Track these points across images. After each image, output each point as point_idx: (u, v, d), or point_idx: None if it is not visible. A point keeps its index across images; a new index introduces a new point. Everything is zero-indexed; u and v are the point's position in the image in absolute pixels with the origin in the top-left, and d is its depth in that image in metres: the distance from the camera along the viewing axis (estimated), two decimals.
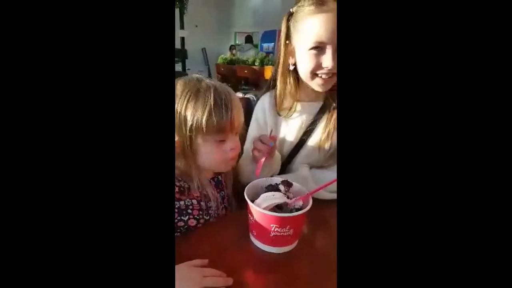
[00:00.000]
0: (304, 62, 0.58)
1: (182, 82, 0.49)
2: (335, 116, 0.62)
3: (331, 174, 0.62)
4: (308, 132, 0.65)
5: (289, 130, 0.66)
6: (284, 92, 0.64)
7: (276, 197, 0.45)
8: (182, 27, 3.44)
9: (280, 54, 0.63)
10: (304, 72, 0.60)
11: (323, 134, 0.63)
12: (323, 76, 0.57)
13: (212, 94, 0.46)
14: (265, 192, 0.47)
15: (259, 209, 0.42)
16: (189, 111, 0.46)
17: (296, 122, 0.65)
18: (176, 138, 0.48)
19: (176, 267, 0.38)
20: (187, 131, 0.46)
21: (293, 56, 0.61)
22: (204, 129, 0.46)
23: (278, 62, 0.64)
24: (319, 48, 0.54)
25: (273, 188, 0.48)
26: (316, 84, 0.60)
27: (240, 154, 0.58)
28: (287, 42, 0.60)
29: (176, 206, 0.50)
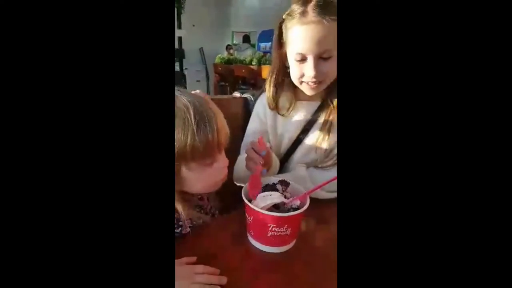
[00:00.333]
0: (291, 69, 0.60)
1: None
2: (332, 115, 0.62)
3: (328, 174, 0.62)
4: (305, 131, 0.65)
5: (287, 128, 0.66)
6: (275, 95, 0.65)
7: (273, 197, 0.44)
8: (179, 27, 3.43)
9: (274, 60, 0.64)
10: (293, 78, 0.61)
11: (321, 134, 0.63)
12: (309, 83, 0.58)
13: (192, 114, 0.39)
14: (263, 191, 0.47)
15: (257, 209, 0.42)
16: None
17: (294, 120, 0.66)
18: None
19: None
20: None
21: (287, 60, 0.62)
22: (189, 156, 0.40)
23: (272, 66, 0.65)
24: (301, 59, 0.56)
25: (271, 187, 0.48)
26: (304, 89, 0.61)
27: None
28: (280, 50, 0.61)
29: None
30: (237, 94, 0.89)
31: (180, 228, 0.48)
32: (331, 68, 0.55)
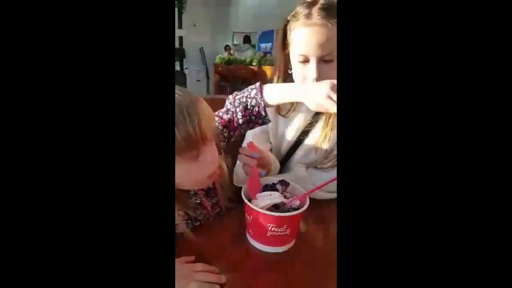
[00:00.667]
0: (294, 71, 0.60)
1: None
2: (333, 117, 0.63)
3: (327, 175, 0.62)
4: (306, 132, 0.65)
5: (288, 129, 0.67)
6: None
7: (273, 197, 0.45)
8: (180, 26, 3.43)
9: (277, 61, 0.64)
10: (295, 80, 0.61)
11: (321, 135, 0.63)
12: None
13: None
14: (262, 191, 0.47)
15: (257, 209, 0.42)
16: None
17: (294, 121, 0.66)
18: None
19: None
20: None
21: (289, 61, 0.62)
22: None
23: (276, 68, 0.65)
24: (304, 61, 0.56)
25: (270, 187, 0.48)
26: None
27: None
28: (284, 51, 0.61)
29: None
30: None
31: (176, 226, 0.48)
32: (333, 71, 0.55)
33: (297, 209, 0.44)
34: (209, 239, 0.47)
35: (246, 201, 0.44)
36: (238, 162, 0.65)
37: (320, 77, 0.55)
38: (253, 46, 4.63)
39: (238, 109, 0.52)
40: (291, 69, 0.62)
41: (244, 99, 0.52)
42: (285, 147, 0.68)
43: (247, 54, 4.13)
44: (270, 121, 0.54)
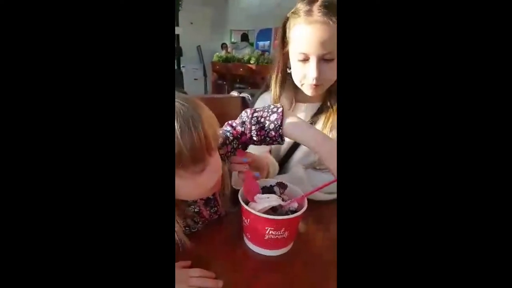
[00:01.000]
0: (294, 70, 0.59)
1: None
2: (332, 117, 0.62)
3: (326, 176, 0.62)
4: None
5: None
6: (280, 95, 0.64)
7: (271, 200, 0.44)
8: (177, 24, 3.40)
9: (276, 59, 0.63)
10: (295, 79, 0.61)
11: None
12: (311, 84, 0.57)
13: (176, 122, 0.35)
14: (260, 194, 0.46)
15: (254, 212, 0.41)
16: None
17: None
18: None
19: None
20: None
21: (288, 60, 0.61)
22: (178, 164, 0.36)
23: (275, 66, 0.64)
24: (304, 59, 0.55)
25: (268, 190, 0.48)
26: (305, 90, 0.60)
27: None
28: (284, 49, 0.60)
29: None
30: (234, 93, 0.88)
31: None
32: (333, 70, 0.55)
33: (295, 211, 0.43)
34: (206, 243, 0.47)
35: (243, 204, 0.43)
36: None
37: (320, 76, 0.55)
38: (251, 44, 4.62)
39: (254, 127, 0.48)
40: (290, 68, 0.61)
41: (262, 119, 0.48)
42: (284, 148, 0.67)
43: (245, 52, 4.11)
44: (284, 143, 0.50)
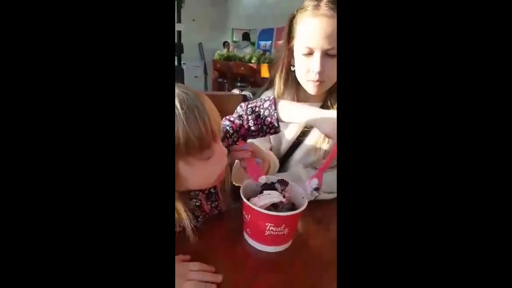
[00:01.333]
0: (298, 66, 0.60)
1: None
2: None
3: (326, 175, 0.62)
4: (305, 132, 0.65)
5: (287, 129, 0.66)
6: (283, 92, 0.64)
7: (272, 196, 0.44)
8: (179, 21, 3.39)
9: (281, 56, 0.63)
10: (298, 75, 0.61)
11: (320, 136, 0.63)
12: (314, 80, 0.58)
13: (179, 107, 0.36)
14: (261, 190, 0.47)
15: (255, 207, 0.41)
16: None
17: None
18: None
19: None
20: None
21: (292, 57, 0.62)
22: (185, 151, 0.37)
23: (278, 64, 0.64)
24: (309, 53, 0.55)
25: (270, 187, 0.48)
26: (308, 87, 0.61)
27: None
28: (289, 44, 0.61)
29: None
30: (236, 91, 0.88)
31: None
32: (335, 67, 0.55)
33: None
34: (206, 238, 0.47)
35: (244, 200, 0.43)
36: (236, 161, 0.65)
37: (323, 71, 0.55)
38: (253, 44, 4.61)
39: (250, 117, 0.51)
40: (293, 65, 0.61)
41: (256, 109, 0.52)
42: (284, 147, 0.68)
43: (246, 51, 4.11)
44: (280, 131, 0.53)
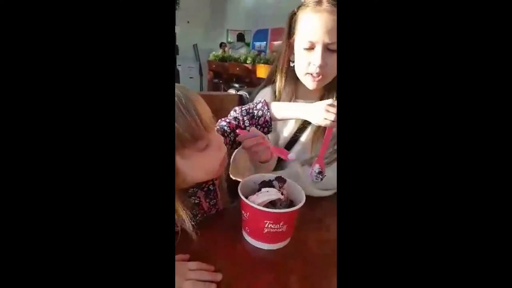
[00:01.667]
0: (298, 60, 0.60)
1: None
2: None
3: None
4: (302, 129, 0.65)
5: (284, 126, 0.66)
6: (284, 86, 0.65)
7: (270, 193, 0.44)
8: None
9: (281, 52, 0.64)
10: (298, 70, 0.61)
11: (317, 133, 0.63)
12: (313, 74, 0.58)
13: None
14: (259, 188, 0.47)
15: (254, 205, 0.42)
16: None
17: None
18: None
19: None
20: None
21: (292, 54, 0.62)
22: (179, 144, 0.39)
23: (279, 59, 0.65)
24: (310, 48, 0.56)
25: (267, 184, 0.48)
26: (307, 82, 0.61)
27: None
28: (289, 40, 0.61)
29: None
30: (232, 91, 0.88)
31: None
32: (335, 63, 0.56)
33: (293, 205, 0.44)
34: (206, 237, 0.47)
35: (242, 197, 0.43)
36: (234, 152, 0.65)
37: (324, 65, 0.56)
38: (247, 44, 4.62)
39: (245, 118, 0.56)
40: (293, 61, 0.62)
41: (250, 110, 0.57)
42: (281, 144, 0.68)
43: (241, 52, 4.11)
44: (272, 131, 0.58)
